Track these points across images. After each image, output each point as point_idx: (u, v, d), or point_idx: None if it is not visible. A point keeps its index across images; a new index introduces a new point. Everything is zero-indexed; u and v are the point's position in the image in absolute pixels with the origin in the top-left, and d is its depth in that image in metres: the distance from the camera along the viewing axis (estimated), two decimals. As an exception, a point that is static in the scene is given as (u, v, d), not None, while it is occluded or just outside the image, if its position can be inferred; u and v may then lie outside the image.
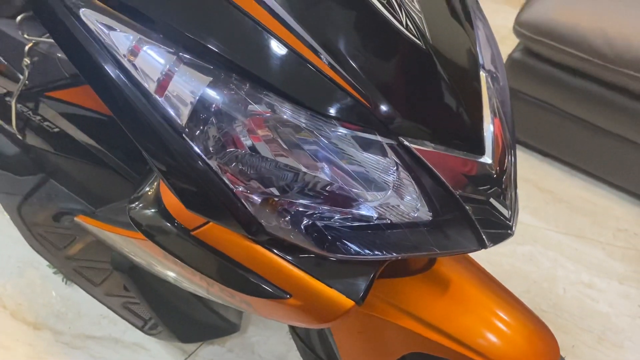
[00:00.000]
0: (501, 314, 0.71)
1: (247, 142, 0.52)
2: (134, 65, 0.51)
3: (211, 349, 1.36)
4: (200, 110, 0.51)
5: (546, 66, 1.64)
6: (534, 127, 1.81)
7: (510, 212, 0.61)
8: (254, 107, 0.52)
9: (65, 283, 1.47)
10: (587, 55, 1.50)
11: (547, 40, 1.55)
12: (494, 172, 0.59)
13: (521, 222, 1.69)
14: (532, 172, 1.84)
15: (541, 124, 1.78)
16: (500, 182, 0.60)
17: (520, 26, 1.60)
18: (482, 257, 1.57)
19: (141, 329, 1.17)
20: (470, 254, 0.80)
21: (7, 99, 0.99)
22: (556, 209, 1.74)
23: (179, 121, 0.51)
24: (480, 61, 0.64)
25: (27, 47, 0.81)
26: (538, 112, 1.75)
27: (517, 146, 1.90)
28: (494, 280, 0.77)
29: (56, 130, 0.98)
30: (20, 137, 1.04)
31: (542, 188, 1.80)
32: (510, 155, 0.64)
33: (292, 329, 1.12)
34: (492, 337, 0.69)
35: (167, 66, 0.51)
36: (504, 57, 1.75)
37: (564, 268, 1.59)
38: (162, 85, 0.51)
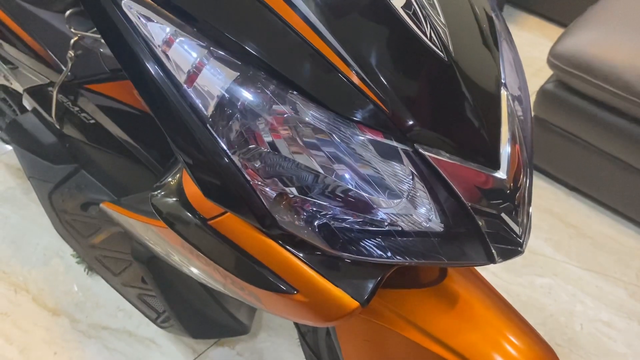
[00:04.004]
0: (510, 336, 0.70)
1: (268, 138, 0.54)
2: (167, 55, 0.54)
3: (221, 351, 1.37)
4: (226, 103, 0.54)
5: (578, 99, 1.62)
6: (562, 159, 1.79)
7: (521, 230, 0.61)
8: (278, 106, 0.54)
9: (87, 274, 1.51)
10: (619, 90, 1.49)
11: (580, 73, 1.55)
12: (507, 187, 0.60)
13: (542, 254, 1.67)
14: (557, 205, 1.81)
15: (570, 157, 1.76)
16: (513, 198, 0.60)
17: (554, 58, 1.60)
18: (499, 285, 1.56)
19: (154, 321, 1.19)
20: (487, 279, 0.79)
21: (49, 88, 1.04)
22: (579, 244, 1.71)
23: (204, 112, 0.54)
24: (502, 79, 0.65)
25: (72, 41, 0.86)
26: (567, 144, 1.73)
27: (544, 178, 1.88)
28: (506, 302, 0.76)
29: (92, 122, 1.02)
30: (57, 126, 1.09)
31: (567, 222, 1.77)
32: (526, 175, 0.65)
33: (302, 337, 1.13)
34: (498, 358, 0.68)
35: (198, 59, 0.54)
36: (538, 88, 1.74)
37: (583, 304, 1.56)
38: (192, 77, 0.54)
